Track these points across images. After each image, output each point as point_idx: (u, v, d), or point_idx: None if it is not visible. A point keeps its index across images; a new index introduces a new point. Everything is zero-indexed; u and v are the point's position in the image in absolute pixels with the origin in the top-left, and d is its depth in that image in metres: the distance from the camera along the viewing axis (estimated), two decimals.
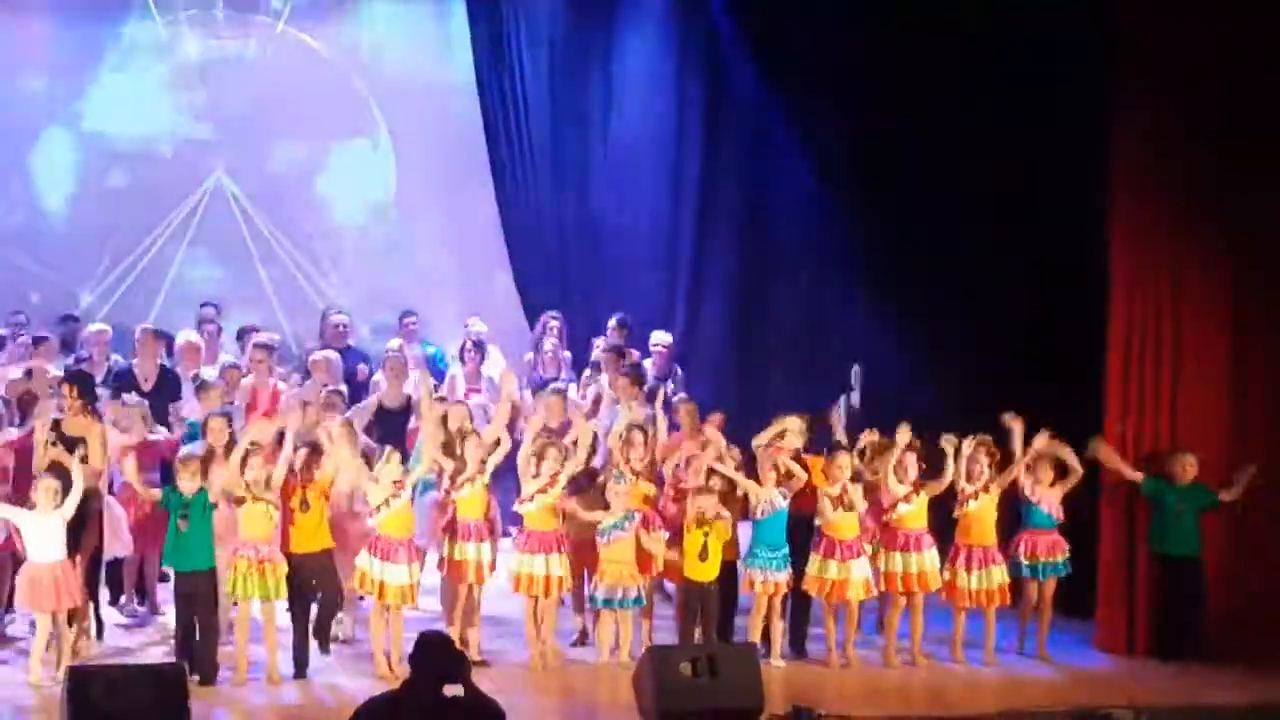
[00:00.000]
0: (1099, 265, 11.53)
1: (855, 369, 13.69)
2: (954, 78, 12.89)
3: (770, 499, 10.85)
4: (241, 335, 14.01)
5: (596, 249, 15.38)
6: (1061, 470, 11.23)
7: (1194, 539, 11.28)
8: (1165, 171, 11.39)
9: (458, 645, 9.65)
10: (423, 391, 11.31)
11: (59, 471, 10.30)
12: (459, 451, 10.73)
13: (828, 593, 10.85)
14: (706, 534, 10.70)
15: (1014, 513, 11.29)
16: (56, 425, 10.69)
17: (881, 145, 13.53)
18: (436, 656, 7.28)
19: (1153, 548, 11.36)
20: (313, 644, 10.59)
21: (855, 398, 13.51)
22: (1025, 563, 11.21)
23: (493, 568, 10.84)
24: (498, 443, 10.83)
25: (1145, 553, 11.37)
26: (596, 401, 12.69)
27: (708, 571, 10.74)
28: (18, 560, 10.46)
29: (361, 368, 13.94)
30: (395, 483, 10.42)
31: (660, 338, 14.10)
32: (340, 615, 10.99)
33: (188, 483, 10.23)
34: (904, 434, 10.93)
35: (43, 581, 10.12)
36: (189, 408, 12.13)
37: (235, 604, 10.50)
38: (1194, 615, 11.23)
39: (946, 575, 11.05)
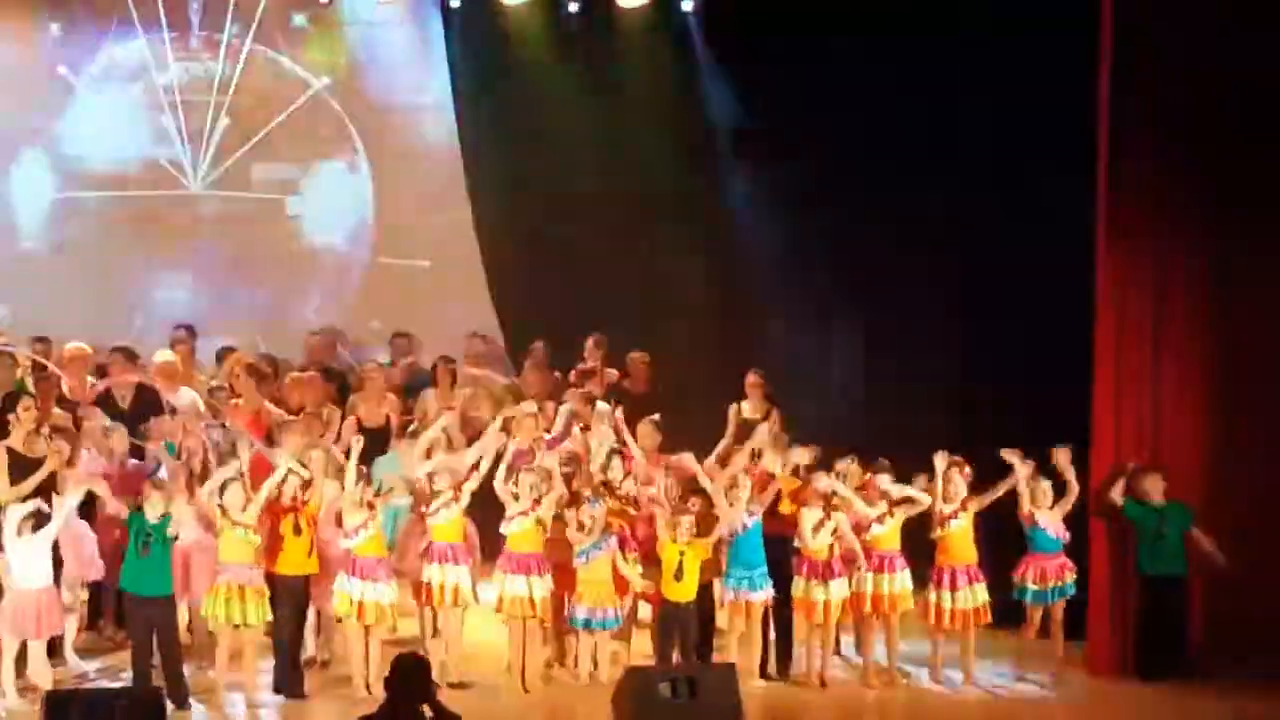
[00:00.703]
0: (1083, 281, 11.59)
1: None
2: (939, 81, 13.02)
3: (737, 518, 10.84)
4: (221, 357, 13.97)
5: (575, 270, 15.35)
6: (1059, 490, 11.21)
7: (1178, 558, 11.30)
8: (1151, 184, 11.44)
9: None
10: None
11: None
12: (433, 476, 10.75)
13: (809, 613, 10.86)
14: (683, 554, 10.70)
15: (1018, 537, 11.28)
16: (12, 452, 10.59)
17: (857, 163, 13.61)
18: (412, 678, 7.30)
19: (1138, 568, 11.38)
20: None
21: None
22: (1033, 588, 11.17)
23: (469, 591, 10.83)
24: (476, 467, 10.83)
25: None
26: (568, 424, 12.64)
27: (684, 592, 10.73)
28: None
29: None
30: (369, 505, 10.43)
31: (638, 356, 14.14)
32: (320, 638, 10.98)
33: (152, 508, 10.17)
34: (882, 469, 11.01)
35: (27, 609, 10.07)
36: (165, 428, 12.06)
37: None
38: (1178, 635, 11.25)
39: (933, 597, 11.05)
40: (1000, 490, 11.09)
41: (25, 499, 10.34)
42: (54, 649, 10.56)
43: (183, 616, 10.90)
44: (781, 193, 14.41)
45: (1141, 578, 11.37)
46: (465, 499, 10.73)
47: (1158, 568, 11.31)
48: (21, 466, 10.49)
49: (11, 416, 10.73)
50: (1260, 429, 11.51)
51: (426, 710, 7.26)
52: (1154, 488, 11.30)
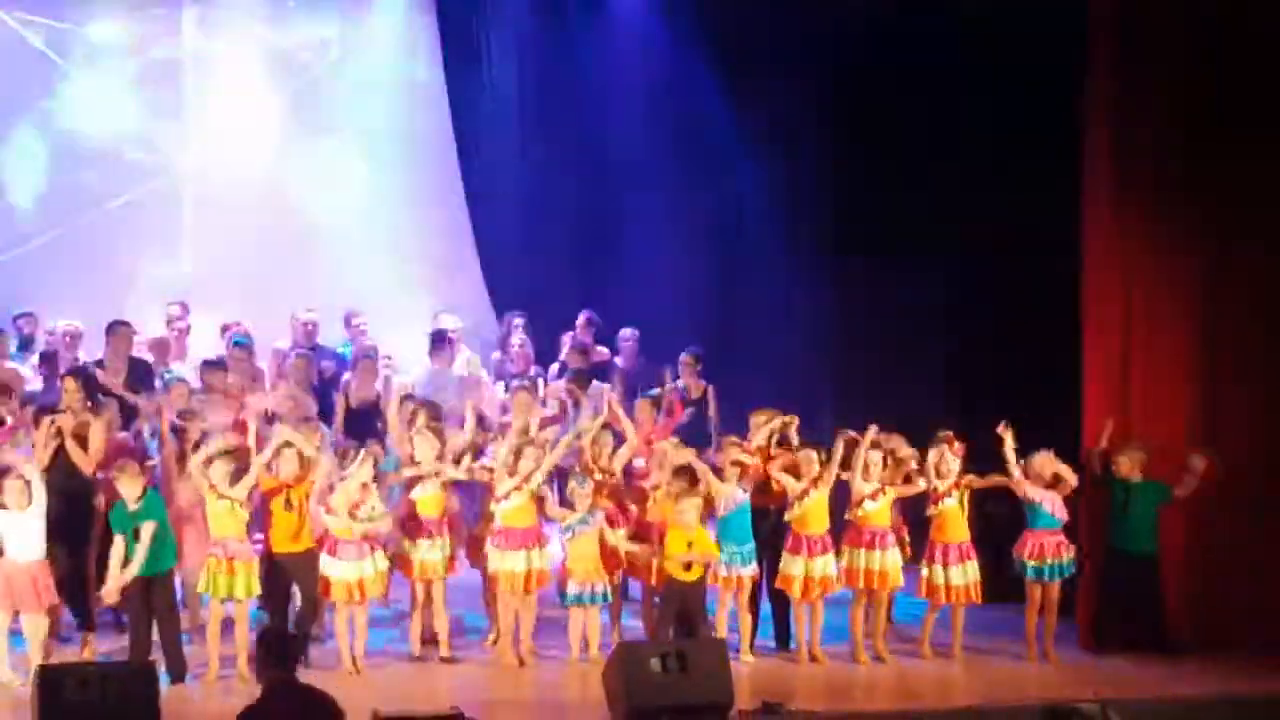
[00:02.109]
0: (1070, 261, 11.65)
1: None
2: (926, 64, 13.04)
3: (730, 495, 10.90)
4: (225, 332, 13.99)
5: (564, 246, 15.38)
6: (1056, 478, 11.26)
7: (1147, 536, 11.34)
8: (1136, 163, 11.48)
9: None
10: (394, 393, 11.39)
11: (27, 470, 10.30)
12: (414, 450, 10.81)
13: (799, 590, 10.91)
14: (690, 544, 10.73)
15: (1018, 514, 11.31)
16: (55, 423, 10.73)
17: (850, 137, 13.64)
18: (276, 648, 7.55)
19: (1109, 543, 11.43)
20: None
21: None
22: (1031, 564, 11.20)
23: (451, 565, 10.89)
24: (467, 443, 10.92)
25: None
26: (564, 402, 12.72)
27: (690, 571, 10.78)
28: None
29: (327, 365, 13.92)
30: (363, 486, 10.47)
31: (627, 333, 14.19)
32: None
33: (129, 490, 10.18)
34: (870, 433, 11.01)
35: (16, 581, 10.09)
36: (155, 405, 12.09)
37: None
38: (1152, 610, 11.30)
39: (925, 572, 11.11)
40: (996, 480, 11.13)
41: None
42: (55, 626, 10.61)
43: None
44: (775, 166, 14.44)
45: (1110, 552, 11.42)
46: (445, 473, 10.81)
47: (1125, 544, 11.37)
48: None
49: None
50: (1246, 403, 11.55)
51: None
52: (1128, 464, 11.33)
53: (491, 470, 10.90)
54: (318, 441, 10.80)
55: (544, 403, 12.57)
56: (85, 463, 10.80)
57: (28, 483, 10.18)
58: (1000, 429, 11.03)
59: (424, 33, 15.60)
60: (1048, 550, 11.19)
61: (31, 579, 10.11)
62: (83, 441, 10.81)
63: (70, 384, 11.05)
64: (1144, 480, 11.35)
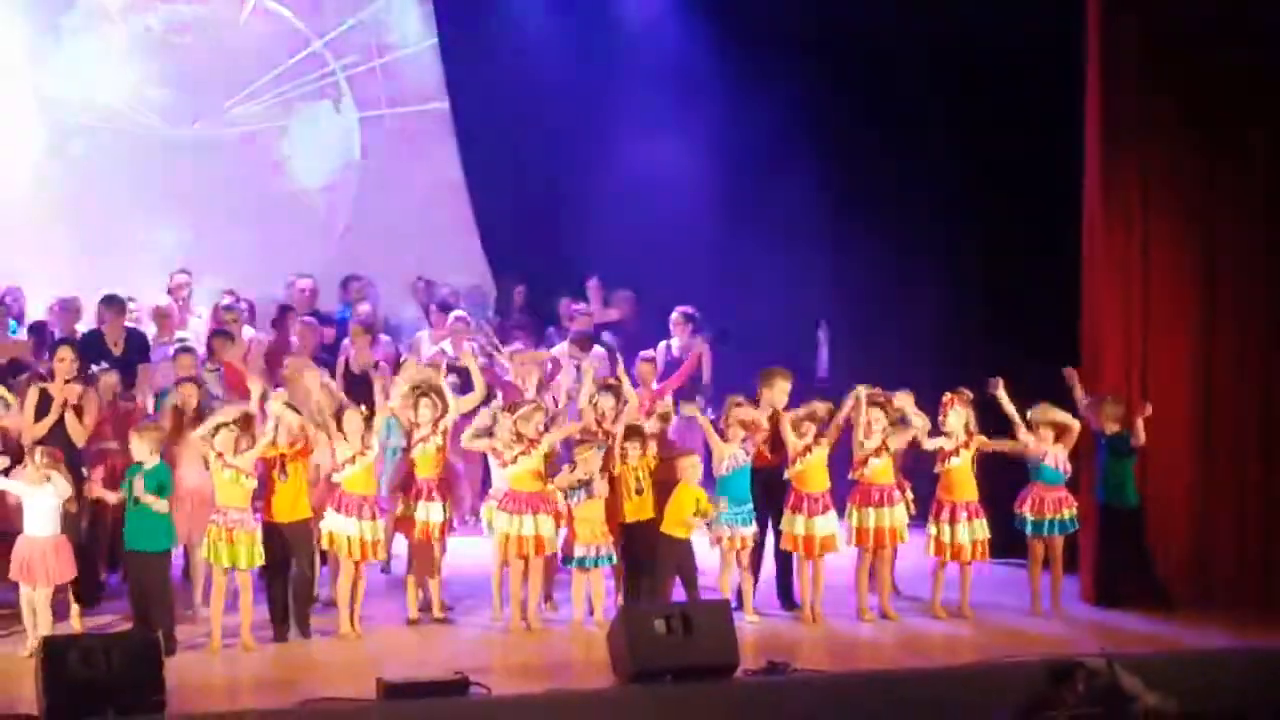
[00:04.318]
0: (1070, 215, 11.60)
1: (821, 329, 13.69)
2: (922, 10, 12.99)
3: (733, 455, 10.88)
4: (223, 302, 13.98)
5: (562, 209, 15.33)
6: (1062, 428, 11.21)
7: (1123, 489, 11.30)
8: (1139, 119, 11.41)
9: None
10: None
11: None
12: (416, 410, 10.80)
13: (802, 548, 10.90)
14: (699, 500, 10.74)
15: (1020, 469, 11.28)
16: (44, 393, 10.67)
17: (856, 98, 13.59)
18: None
19: (1096, 496, 11.42)
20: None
21: (824, 356, 13.52)
22: (1031, 519, 11.18)
23: (449, 527, 10.92)
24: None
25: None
26: (556, 364, 12.69)
27: (686, 530, 10.78)
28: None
29: (328, 331, 13.91)
30: (362, 439, 10.45)
31: (624, 294, 14.19)
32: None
33: (144, 454, 10.17)
34: (864, 390, 10.97)
35: (32, 556, 10.09)
36: (161, 375, 12.07)
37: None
38: (1139, 563, 11.29)
39: (932, 530, 11.09)
40: (1005, 446, 11.09)
41: (39, 442, 10.38)
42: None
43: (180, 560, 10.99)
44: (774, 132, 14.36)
45: (1099, 506, 11.41)
46: (440, 435, 10.80)
47: (1107, 497, 11.36)
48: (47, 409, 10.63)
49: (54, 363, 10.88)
50: (1246, 350, 11.51)
51: None
52: (1107, 417, 11.30)
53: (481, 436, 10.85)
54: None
55: (549, 369, 12.53)
56: (79, 434, 10.74)
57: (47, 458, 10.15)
58: (994, 387, 10.97)
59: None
60: (1049, 505, 11.16)
61: (43, 554, 10.08)
62: (78, 412, 10.75)
63: (64, 353, 10.94)
64: (1121, 432, 11.29)
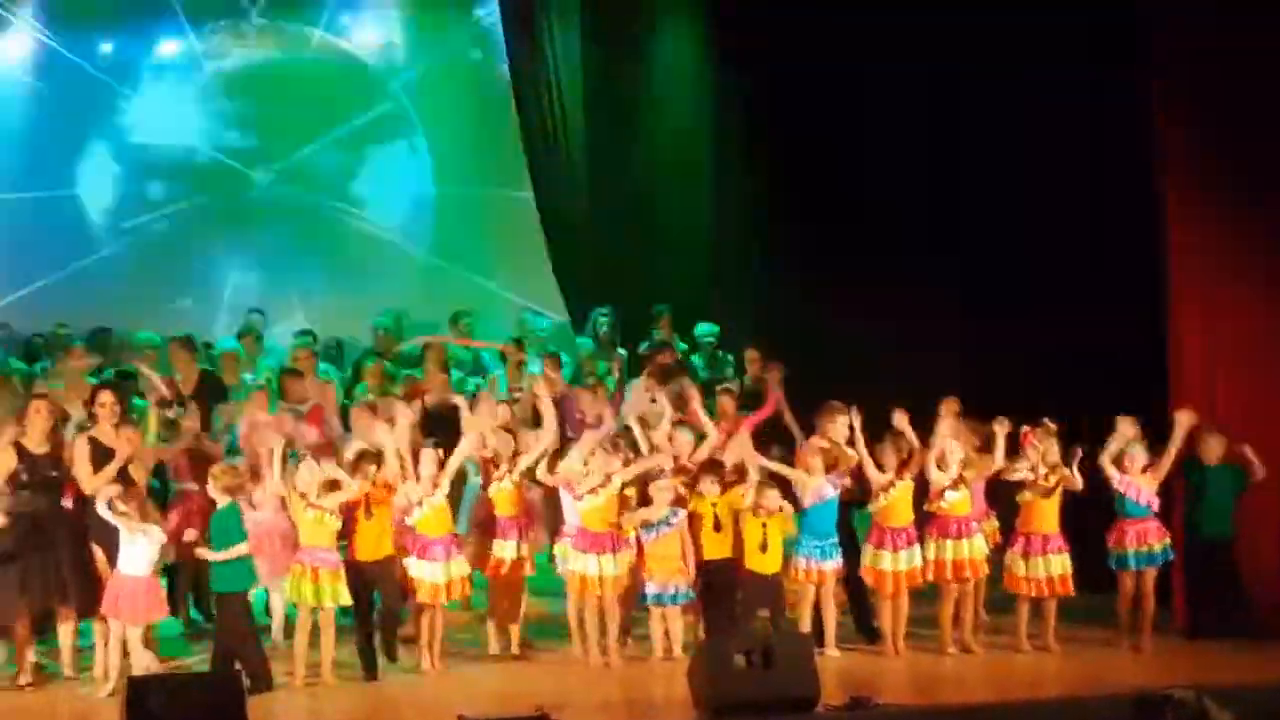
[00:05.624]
0: (1154, 245, 11.53)
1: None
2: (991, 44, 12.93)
3: (818, 488, 10.83)
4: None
5: (639, 242, 15.30)
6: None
7: (1222, 521, 11.18)
8: (1219, 146, 11.34)
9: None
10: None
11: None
12: (492, 448, 10.82)
13: (883, 582, 10.84)
14: (765, 525, 10.70)
15: (1109, 503, 11.16)
16: (94, 441, 10.60)
17: (924, 136, 13.49)
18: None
19: (1186, 529, 11.29)
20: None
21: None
22: (1116, 553, 11.04)
23: (531, 562, 10.93)
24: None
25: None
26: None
27: (770, 564, 10.76)
28: None
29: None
30: (432, 480, 10.47)
31: (705, 330, 14.13)
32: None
33: (218, 494, 10.23)
34: (946, 423, 10.89)
35: (123, 593, 10.12)
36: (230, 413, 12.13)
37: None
38: (1232, 594, 11.16)
39: (1008, 561, 11.01)
40: (1078, 483, 10.98)
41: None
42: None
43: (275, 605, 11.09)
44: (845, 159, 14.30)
45: (1188, 537, 11.27)
46: (518, 471, 10.83)
47: (1201, 529, 11.23)
48: (105, 456, 10.51)
49: (95, 409, 10.76)
50: None
51: None
52: (1208, 448, 11.17)
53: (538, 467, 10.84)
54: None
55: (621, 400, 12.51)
56: (87, 479, 10.46)
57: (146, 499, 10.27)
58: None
59: (489, 30, 15.56)
60: (1137, 538, 11.02)
61: (133, 593, 10.12)
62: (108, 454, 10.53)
63: (104, 397, 10.76)
64: (1221, 465, 11.16)
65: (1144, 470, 11.03)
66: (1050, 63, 12.66)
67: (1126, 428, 10.99)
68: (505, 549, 10.80)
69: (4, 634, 10.60)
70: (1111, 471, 10.99)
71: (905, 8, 13.19)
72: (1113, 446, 10.96)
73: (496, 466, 10.89)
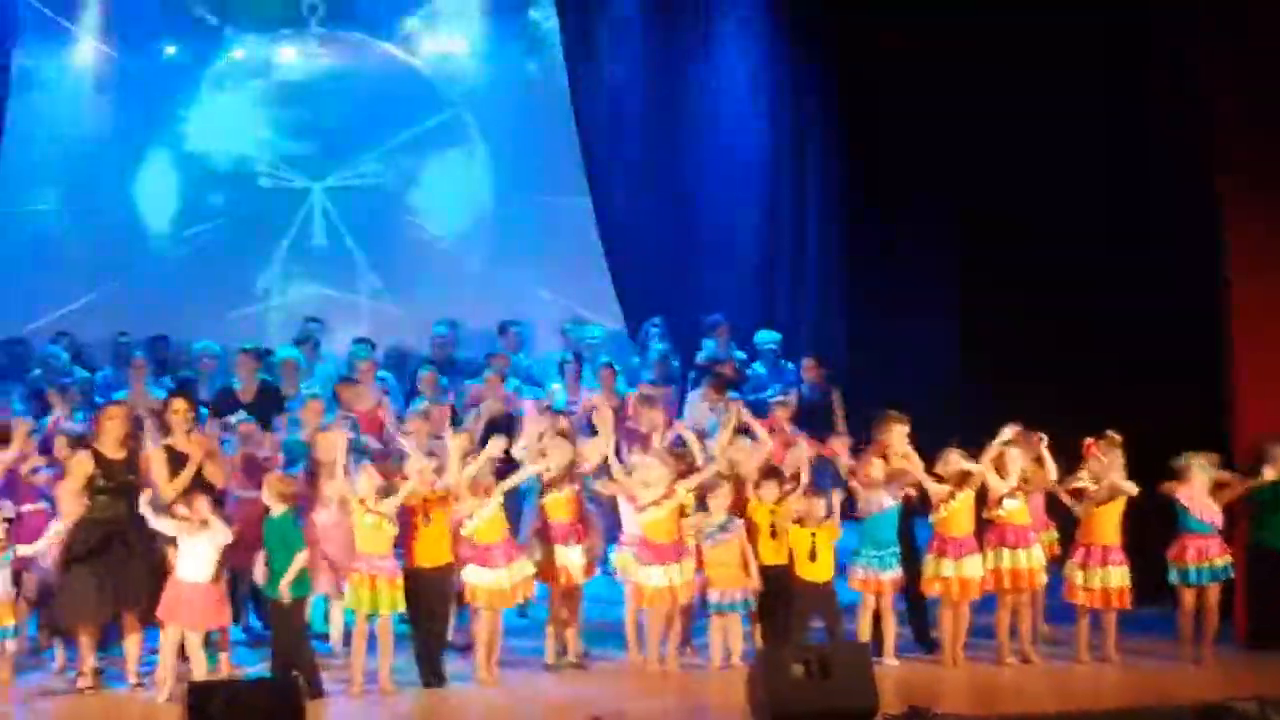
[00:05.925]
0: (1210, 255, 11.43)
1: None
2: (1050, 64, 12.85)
3: (878, 499, 10.80)
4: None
5: (695, 250, 15.29)
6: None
7: None
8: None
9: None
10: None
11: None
12: (549, 457, 10.83)
13: (944, 592, 10.80)
14: (814, 535, 10.69)
15: (1171, 516, 11.10)
16: (169, 449, 10.71)
17: (981, 143, 13.43)
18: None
19: (1249, 538, 11.22)
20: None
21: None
22: (1177, 567, 10.98)
23: (589, 570, 10.90)
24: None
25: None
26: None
27: (821, 572, 10.73)
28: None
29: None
30: (485, 488, 10.49)
31: (767, 337, 14.10)
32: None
33: (273, 502, 10.28)
34: (1006, 431, 10.84)
35: (182, 599, 10.19)
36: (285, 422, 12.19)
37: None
38: None
39: (1067, 571, 10.97)
40: (1132, 489, 10.90)
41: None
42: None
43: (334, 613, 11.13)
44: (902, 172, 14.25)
45: (1252, 549, 11.21)
46: (573, 482, 10.86)
47: (1264, 540, 11.16)
48: (179, 463, 10.63)
49: (169, 415, 10.87)
50: None
51: None
52: (1272, 460, 11.08)
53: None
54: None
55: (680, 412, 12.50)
56: (219, 476, 10.74)
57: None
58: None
59: (547, 38, 15.55)
60: (1198, 554, 10.95)
61: (190, 599, 10.18)
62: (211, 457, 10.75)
63: (178, 404, 10.89)
64: None
65: (1211, 492, 10.99)
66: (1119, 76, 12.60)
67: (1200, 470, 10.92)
68: (568, 555, 10.80)
69: (70, 637, 10.67)
70: (1180, 491, 10.94)
71: (981, 8, 13.12)
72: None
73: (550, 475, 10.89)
